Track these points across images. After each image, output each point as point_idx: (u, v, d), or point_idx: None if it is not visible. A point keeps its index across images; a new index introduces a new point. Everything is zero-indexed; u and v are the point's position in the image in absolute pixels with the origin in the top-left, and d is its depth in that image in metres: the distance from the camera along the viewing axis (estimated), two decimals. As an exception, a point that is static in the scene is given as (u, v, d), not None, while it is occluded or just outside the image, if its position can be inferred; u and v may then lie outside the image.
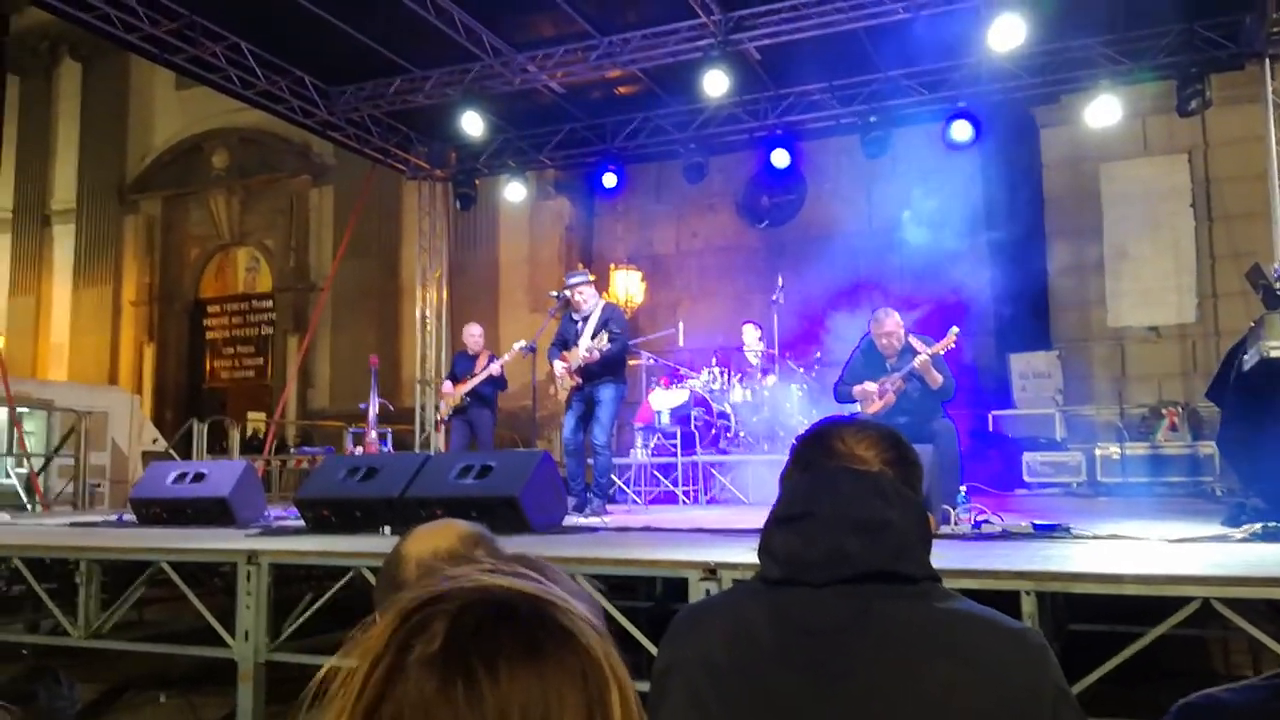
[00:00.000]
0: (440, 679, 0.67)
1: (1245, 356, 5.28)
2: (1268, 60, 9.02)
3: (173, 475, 6.74)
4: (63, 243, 19.56)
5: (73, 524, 6.78)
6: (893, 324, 6.28)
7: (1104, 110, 9.99)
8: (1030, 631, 1.29)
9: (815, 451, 1.47)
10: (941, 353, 6.13)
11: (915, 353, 6.12)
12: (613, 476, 7.71)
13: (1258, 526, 4.29)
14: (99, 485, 11.43)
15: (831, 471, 1.40)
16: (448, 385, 8.70)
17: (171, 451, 11.43)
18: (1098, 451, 10.35)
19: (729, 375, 10.14)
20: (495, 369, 8.40)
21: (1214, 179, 11.63)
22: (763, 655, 1.28)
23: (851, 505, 1.32)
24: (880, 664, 1.22)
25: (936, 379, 6.06)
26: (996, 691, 1.19)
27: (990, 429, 11.03)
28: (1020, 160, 12.35)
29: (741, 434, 9.89)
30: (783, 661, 1.26)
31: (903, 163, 12.13)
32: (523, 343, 7.69)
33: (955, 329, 6.19)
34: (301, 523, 5.87)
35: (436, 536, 1.66)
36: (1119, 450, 10.28)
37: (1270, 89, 9.02)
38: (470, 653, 0.68)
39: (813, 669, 1.24)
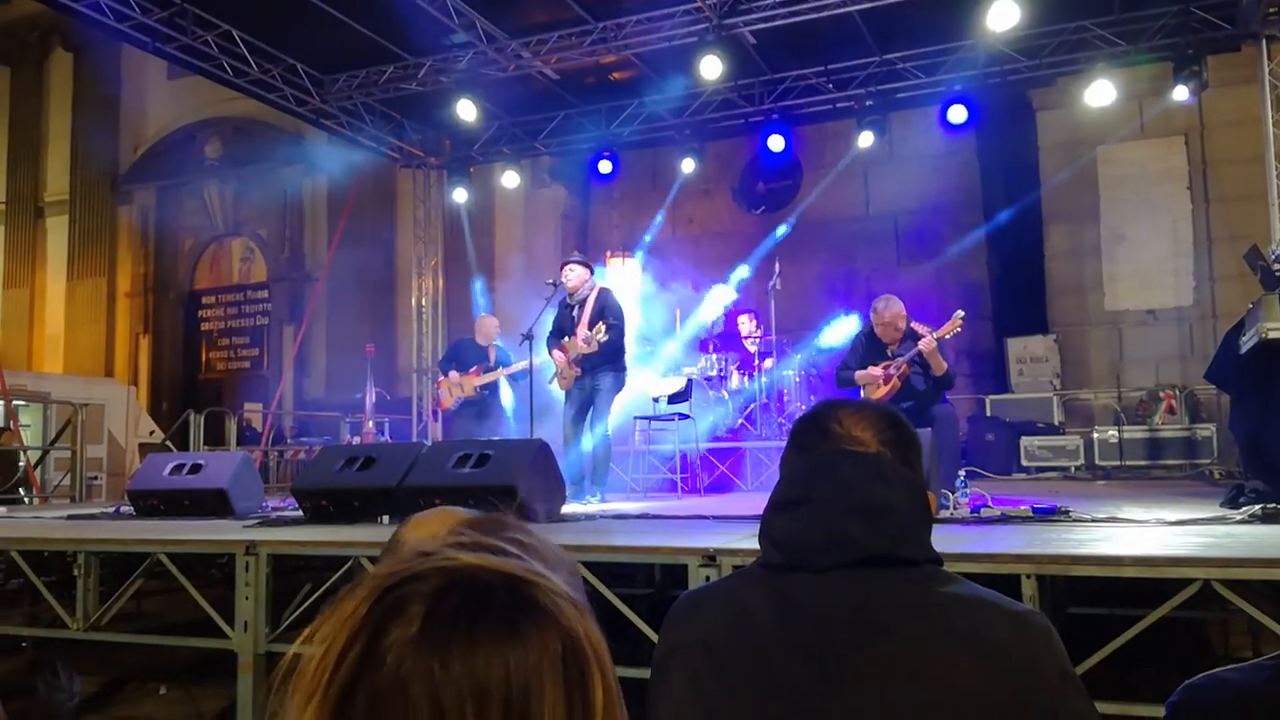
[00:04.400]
0: (415, 661, 0.66)
1: (1243, 338, 5.28)
2: (1264, 41, 9.00)
3: (170, 467, 6.72)
4: (56, 234, 19.47)
5: (70, 516, 6.75)
6: (892, 314, 6.25)
7: (1101, 93, 9.97)
8: (1034, 613, 1.28)
9: (812, 434, 1.45)
10: (948, 336, 6.13)
11: (918, 338, 6.10)
12: (611, 464, 7.71)
13: (1257, 508, 4.29)
14: (96, 478, 11.41)
15: (830, 454, 1.38)
16: (453, 374, 8.68)
17: (168, 443, 11.40)
18: (1095, 435, 10.36)
19: (726, 362, 10.14)
20: (516, 369, 8.36)
21: (1210, 161, 11.61)
22: (764, 640, 1.26)
23: (851, 489, 1.31)
24: (883, 648, 1.21)
25: (942, 365, 6.05)
26: (1000, 674, 1.18)
27: (987, 413, 11.03)
28: (1017, 144, 12.31)
29: (739, 421, 9.90)
30: (784, 646, 1.25)
31: (899, 147, 12.11)
32: (524, 364, 7.85)
33: (961, 312, 6.18)
34: (300, 513, 5.86)
35: (435, 523, 1.65)
36: (1116, 433, 10.29)
37: (1267, 70, 9.00)
38: (448, 636, 0.67)
39: (815, 653, 1.23)
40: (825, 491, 1.31)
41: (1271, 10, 8.87)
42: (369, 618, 0.68)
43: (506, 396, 8.90)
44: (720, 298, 10.77)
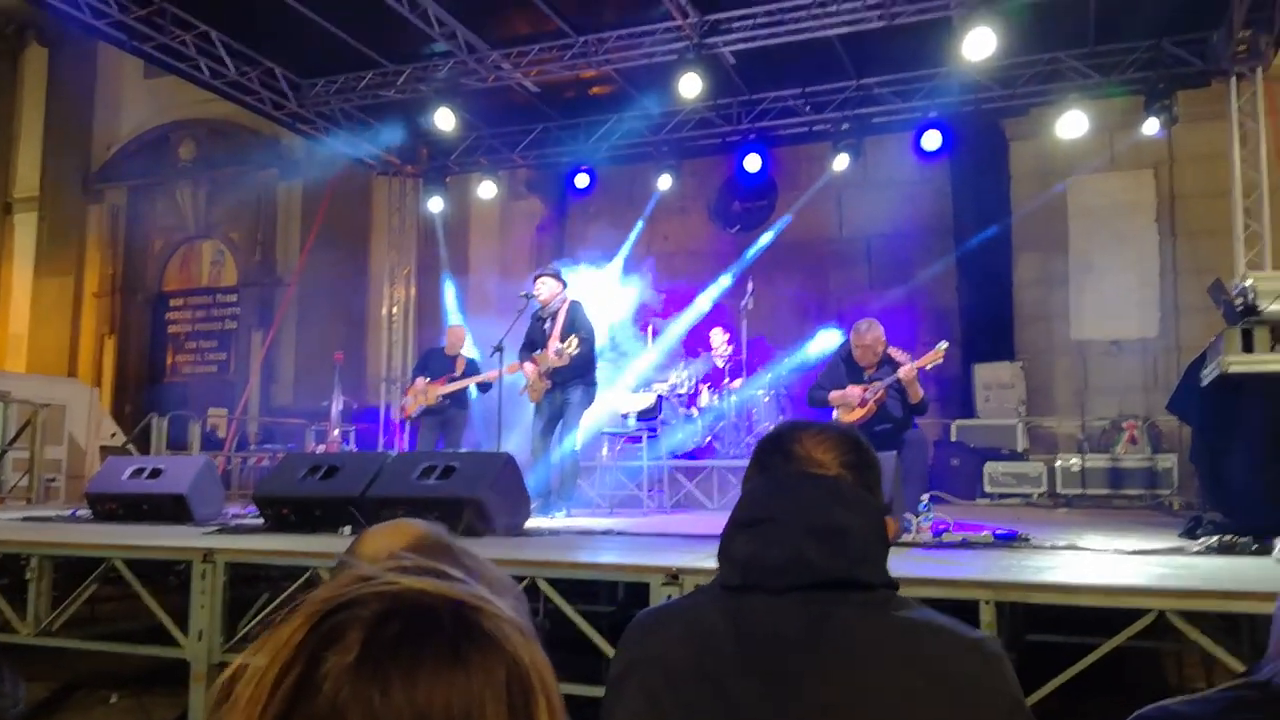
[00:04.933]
0: (354, 689, 0.64)
1: (1205, 371, 5.35)
2: (1233, 78, 9.17)
3: (129, 470, 6.61)
4: (24, 231, 19.16)
5: (26, 519, 6.64)
6: (873, 337, 6.27)
7: (1073, 124, 10.12)
8: (988, 640, 1.28)
9: (774, 454, 1.45)
10: (928, 367, 6.12)
11: (895, 364, 6.11)
12: (579, 479, 7.69)
13: (1214, 539, 4.33)
14: (54, 479, 11.19)
15: (791, 476, 1.38)
16: (420, 382, 8.61)
17: (130, 446, 11.23)
18: (1058, 463, 10.45)
19: (696, 380, 10.15)
20: (491, 377, 8.29)
21: (1179, 195, 11.79)
22: (721, 660, 1.26)
23: (810, 511, 1.30)
24: (838, 672, 1.21)
25: (919, 392, 6.07)
26: (953, 701, 1.18)
27: (953, 438, 11.10)
28: (989, 172, 12.45)
29: (707, 439, 9.91)
30: (741, 667, 1.24)
31: (873, 172, 12.20)
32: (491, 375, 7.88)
33: (944, 344, 6.18)
34: (260, 521, 5.79)
35: (391, 536, 1.62)
36: (1079, 462, 10.39)
37: (1235, 106, 9.16)
38: (389, 664, 0.64)
39: (771, 675, 1.22)
40: (784, 513, 1.31)
41: (1241, 48, 9.05)
42: (305, 644, 0.66)
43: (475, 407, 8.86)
44: (693, 313, 10.86)
